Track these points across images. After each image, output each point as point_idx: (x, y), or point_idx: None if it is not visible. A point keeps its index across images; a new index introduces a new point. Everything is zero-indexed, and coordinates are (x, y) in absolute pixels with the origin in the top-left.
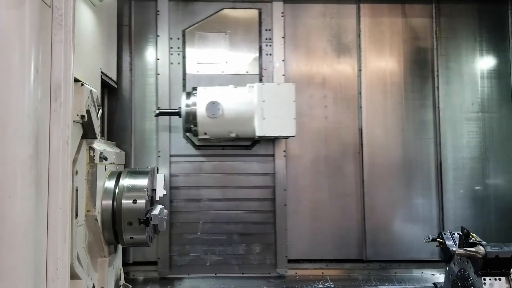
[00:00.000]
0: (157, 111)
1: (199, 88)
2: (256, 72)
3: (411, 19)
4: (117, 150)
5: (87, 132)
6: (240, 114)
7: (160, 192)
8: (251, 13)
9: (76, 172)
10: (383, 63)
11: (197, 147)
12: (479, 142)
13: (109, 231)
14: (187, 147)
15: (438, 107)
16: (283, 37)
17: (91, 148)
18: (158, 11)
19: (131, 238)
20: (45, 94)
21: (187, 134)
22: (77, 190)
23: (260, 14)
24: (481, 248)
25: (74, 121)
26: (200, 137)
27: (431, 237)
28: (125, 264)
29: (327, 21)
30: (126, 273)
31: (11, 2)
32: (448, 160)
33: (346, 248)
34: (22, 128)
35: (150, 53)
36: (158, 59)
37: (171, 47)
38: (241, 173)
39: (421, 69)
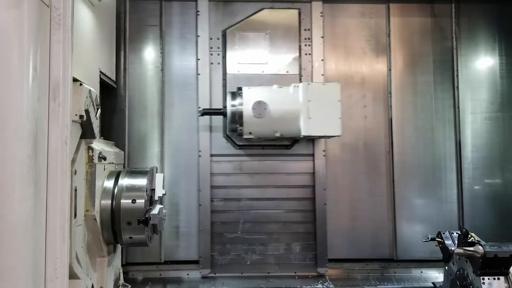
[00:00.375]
0: (202, 111)
1: (244, 88)
2: (296, 72)
3: (439, 19)
4: (116, 149)
5: (86, 132)
6: (286, 114)
7: (159, 191)
8: (290, 13)
9: (75, 172)
10: (413, 62)
11: (237, 146)
12: (499, 142)
13: (108, 231)
14: (227, 147)
15: (458, 107)
16: (322, 37)
17: (90, 148)
18: (198, 11)
19: (130, 238)
20: (44, 94)
21: (227, 134)
22: (76, 190)
23: (299, 14)
24: (480, 247)
25: (72, 121)
26: (245, 136)
27: (430, 236)
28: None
29: (366, 20)
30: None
31: (10, 2)
32: (468, 160)
33: (379, 247)
34: (21, 128)
35: (188, 53)
36: (199, 59)
37: (211, 47)
38: (280, 172)
39: (450, 68)
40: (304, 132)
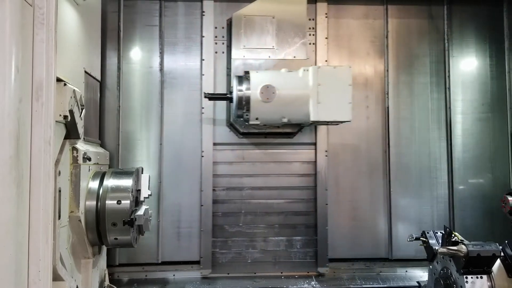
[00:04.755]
0: (207, 95)
1: (251, 72)
2: (304, 57)
3: (435, 21)
4: (101, 150)
5: (70, 132)
6: (295, 99)
7: (145, 192)
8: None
9: (59, 172)
10: (410, 63)
11: (240, 135)
12: (489, 142)
13: (93, 232)
14: (230, 136)
15: (450, 108)
16: (326, 38)
17: (74, 149)
18: (203, 11)
19: (115, 239)
20: (27, 94)
21: (231, 121)
22: (60, 191)
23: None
24: (463, 246)
25: (56, 121)
26: (251, 122)
27: (414, 236)
28: None
29: (369, 22)
30: None
31: None
32: (459, 160)
33: (376, 247)
34: (2, 128)
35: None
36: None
37: (216, 36)
38: (283, 161)
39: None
40: (313, 117)
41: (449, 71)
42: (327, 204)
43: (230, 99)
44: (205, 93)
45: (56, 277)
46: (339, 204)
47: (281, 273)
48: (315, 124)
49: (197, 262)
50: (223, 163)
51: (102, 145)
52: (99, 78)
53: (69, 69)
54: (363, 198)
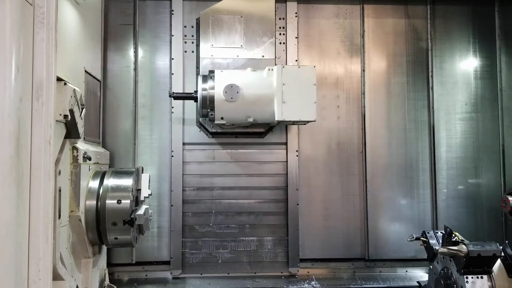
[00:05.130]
0: (173, 94)
1: (216, 71)
2: (272, 56)
3: (413, 20)
4: (101, 149)
5: (71, 132)
6: (259, 98)
7: (145, 192)
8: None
9: (59, 172)
10: (386, 63)
11: (210, 135)
12: (472, 142)
13: (93, 231)
14: (201, 135)
15: (433, 107)
16: (296, 37)
17: (74, 148)
18: (172, 10)
19: (116, 238)
20: (27, 94)
21: (200, 121)
22: (60, 190)
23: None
24: (464, 246)
25: (57, 121)
26: (216, 122)
27: (415, 236)
28: None
29: (340, 21)
30: None
31: None
32: (442, 160)
33: (352, 247)
34: (3, 128)
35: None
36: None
37: (185, 35)
38: (254, 161)
39: (423, 69)
40: (278, 117)
41: (432, 71)
42: (298, 204)
43: (195, 99)
44: (170, 92)
45: (56, 277)
46: (311, 204)
47: (255, 273)
48: (281, 124)
49: (167, 263)
50: (194, 163)
51: (102, 144)
52: (99, 77)
53: (70, 69)
54: (335, 198)
